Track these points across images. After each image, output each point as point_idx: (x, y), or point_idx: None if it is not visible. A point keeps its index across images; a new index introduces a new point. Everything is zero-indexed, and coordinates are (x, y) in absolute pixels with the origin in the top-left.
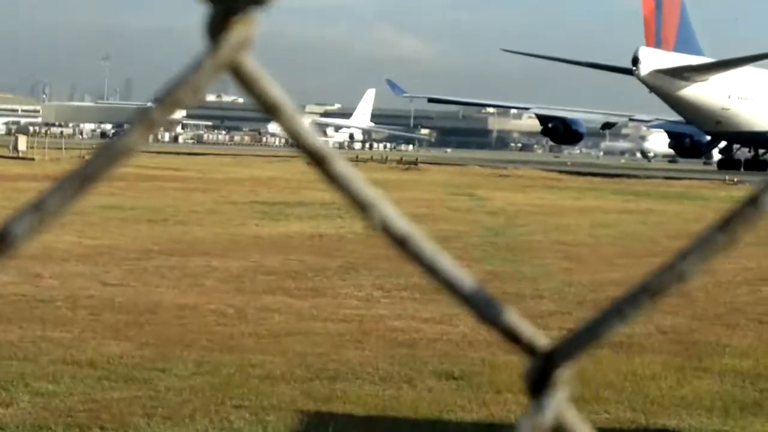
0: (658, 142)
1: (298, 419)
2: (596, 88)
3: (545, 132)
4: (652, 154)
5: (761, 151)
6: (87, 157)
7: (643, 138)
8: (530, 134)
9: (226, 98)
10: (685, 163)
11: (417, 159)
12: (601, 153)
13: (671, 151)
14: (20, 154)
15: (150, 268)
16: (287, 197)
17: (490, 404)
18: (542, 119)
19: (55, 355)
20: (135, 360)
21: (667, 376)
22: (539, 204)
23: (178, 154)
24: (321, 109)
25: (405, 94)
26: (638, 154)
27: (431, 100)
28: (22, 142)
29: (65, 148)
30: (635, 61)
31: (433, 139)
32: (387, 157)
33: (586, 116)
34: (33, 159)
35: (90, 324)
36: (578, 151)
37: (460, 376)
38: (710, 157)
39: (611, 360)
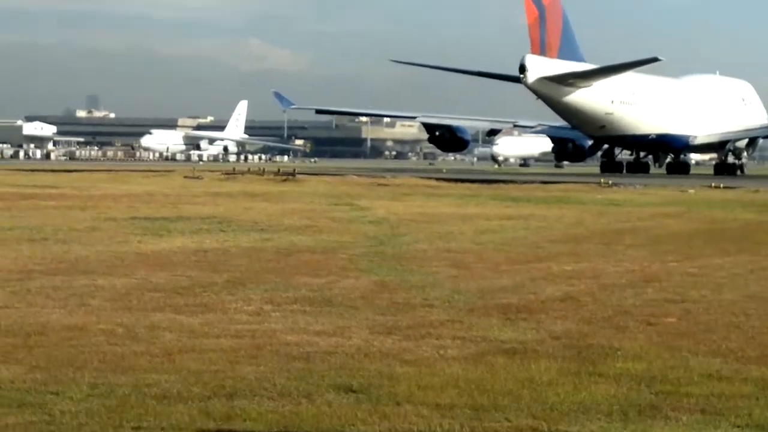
0: (507, 147)
1: None
2: (478, 96)
3: (432, 140)
4: (501, 158)
5: (642, 153)
6: None
7: (491, 143)
8: (403, 142)
9: (97, 113)
10: (535, 167)
11: (294, 170)
12: (476, 159)
13: (520, 155)
14: None
15: (33, 288)
16: (167, 212)
17: (391, 416)
18: (429, 127)
19: None
20: (27, 384)
21: (564, 381)
22: (421, 212)
23: (53, 171)
24: (194, 122)
25: (293, 106)
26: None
27: (319, 112)
28: None
29: None
30: (522, 68)
31: (308, 149)
32: (264, 169)
33: (472, 124)
34: None
35: None
36: (452, 158)
37: (359, 389)
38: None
39: (506, 367)
